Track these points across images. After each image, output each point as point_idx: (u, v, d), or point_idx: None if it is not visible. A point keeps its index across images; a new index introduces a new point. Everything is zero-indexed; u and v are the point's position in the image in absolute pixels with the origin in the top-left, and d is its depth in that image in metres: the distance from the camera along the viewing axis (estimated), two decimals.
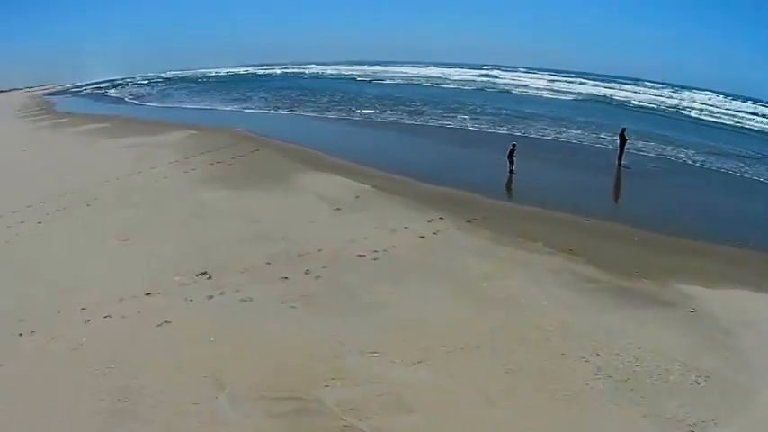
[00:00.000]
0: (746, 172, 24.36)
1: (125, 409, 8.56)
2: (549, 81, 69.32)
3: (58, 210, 19.25)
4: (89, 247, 15.72)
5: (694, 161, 25.97)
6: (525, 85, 65.86)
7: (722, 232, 16.00)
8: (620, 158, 24.13)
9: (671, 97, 55.50)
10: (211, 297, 12.03)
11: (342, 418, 8.01)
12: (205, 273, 13.24)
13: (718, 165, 25.38)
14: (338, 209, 17.65)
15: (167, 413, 8.39)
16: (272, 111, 47.88)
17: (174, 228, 16.81)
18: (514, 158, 22.04)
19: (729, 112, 45.87)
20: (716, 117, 43.75)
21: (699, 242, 15.17)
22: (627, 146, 24.32)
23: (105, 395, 8.89)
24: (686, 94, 56.59)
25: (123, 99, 72.69)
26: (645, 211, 17.91)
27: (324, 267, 13.17)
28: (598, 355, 9.47)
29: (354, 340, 9.96)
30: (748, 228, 16.78)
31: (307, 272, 12.99)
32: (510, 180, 21.68)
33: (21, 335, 11.06)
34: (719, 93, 56.13)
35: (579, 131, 33.36)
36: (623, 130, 24.27)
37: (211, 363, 9.55)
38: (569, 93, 58.91)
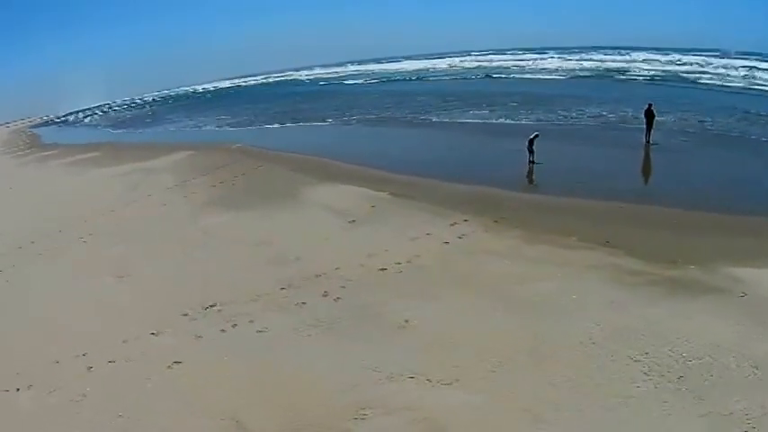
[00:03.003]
0: None
1: None
2: (543, 59, 70.41)
3: (50, 249, 19.40)
4: (87, 286, 15.69)
5: (723, 130, 26.00)
6: (520, 67, 67.11)
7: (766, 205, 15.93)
8: (647, 136, 24.01)
9: (673, 62, 55.74)
10: (224, 331, 11.91)
11: None
12: (214, 305, 13.12)
13: (749, 131, 25.39)
14: (353, 221, 17.57)
15: None
16: (269, 122, 48.38)
17: (177, 258, 16.79)
18: (534, 148, 21.97)
19: (735, 72, 45.89)
20: (726, 81, 43.50)
21: (743, 218, 15.11)
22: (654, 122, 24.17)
23: None
24: (685, 57, 56.84)
25: (110, 125, 73.77)
26: (682, 190, 17.81)
27: (343, 287, 13.07)
28: (647, 353, 9.29)
29: (384, 365, 9.82)
30: None
31: (325, 294, 12.87)
32: (532, 171, 21.65)
33: (18, 390, 10.92)
34: (715, 52, 56.41)
35: (596, 110, 33.80)
36: (650, 105, 24.03)
37: (229, 403, 9.42)
38: (569, 70, 59.73)
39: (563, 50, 78.82)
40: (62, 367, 11.40)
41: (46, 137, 70.06)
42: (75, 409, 9.95)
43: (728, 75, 45.12)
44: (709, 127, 26.86)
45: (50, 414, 9.95)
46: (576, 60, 67.00)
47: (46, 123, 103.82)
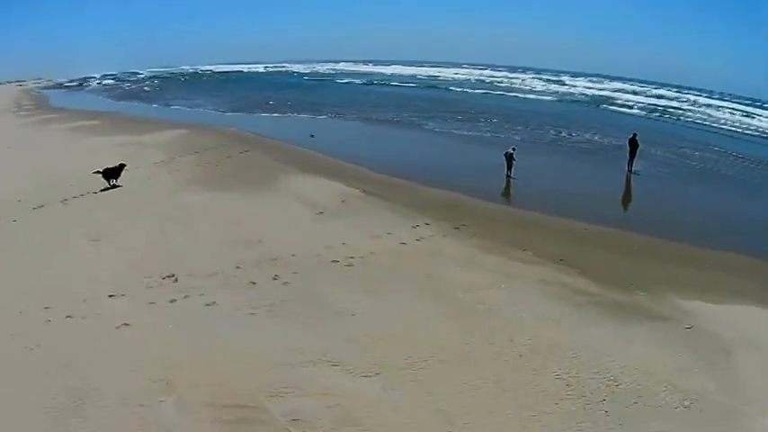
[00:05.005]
0: (758, 178, 25.04)
1: (73, 408, 8.69)
2: (534, 79, 71.76)
3: (34, 208, 19.58)
4: (61, 246, 15.96)
5: (704, 166, 26.67)
6: (511, 84, 68.39)
7: (732, 241, 15.95)
8: (630, 164, 24.34)
9: (663, 96, 56.68)
10: (174, 301, 12.15)
11: (286, 429, 8.04)
12: (172, 275, 13.39)
13: (728, 170, 26.18)
14: (321, 213, 17.86)
15: (112, 414, 8.53)
16: (267, 110, 49.03)
17: (150, 230, 17.01)
18: (514, 162, 22.20)
19: (720, 114, 47.41)
20: (712, 120, 45.31)
21: (706, 251, 15.16)
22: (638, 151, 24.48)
23: (57, 394, 9.03)
24: (675, 93, 57.88)
25: (114, 95, 74.24)
26: (651, 219, 17.97)
27: (294, 273, 13.26)
28: (575, 372, 9.30)
29: (313, 350, 9.96)
30: (762, 237, 16.77)
31: (276, 277, 13.07)
32: (508, 185, 21.92)
33: None
34: (705, 92, 57.37)
35: (582, 134, 34.54)
36: (635, 135, 24.39)
37: (164, 366, 9.66)
38: (559, 93, 61.02)
39: (555, 72, 79.89)
40: (24, 317, 11.71)
41: (53, 100, 70.34)
42: (28, 355, 10.28)
43: (715, 115, 46.15)
44: (691, 162, 27.46)
45: (5, 357, 10.26)
46: (568, 84, 67.99)
47: (55, 86, 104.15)
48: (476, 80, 78.16)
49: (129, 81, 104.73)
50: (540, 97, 59.32)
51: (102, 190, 21.95)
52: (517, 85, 69.70)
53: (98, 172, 22.36)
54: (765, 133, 40.44)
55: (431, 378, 9.21)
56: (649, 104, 53.04)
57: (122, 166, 23.03)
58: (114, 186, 22.39)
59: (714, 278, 13.40)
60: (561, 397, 8.75)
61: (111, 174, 22.59)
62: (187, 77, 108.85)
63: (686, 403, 8.63)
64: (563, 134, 34.27)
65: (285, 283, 12.79)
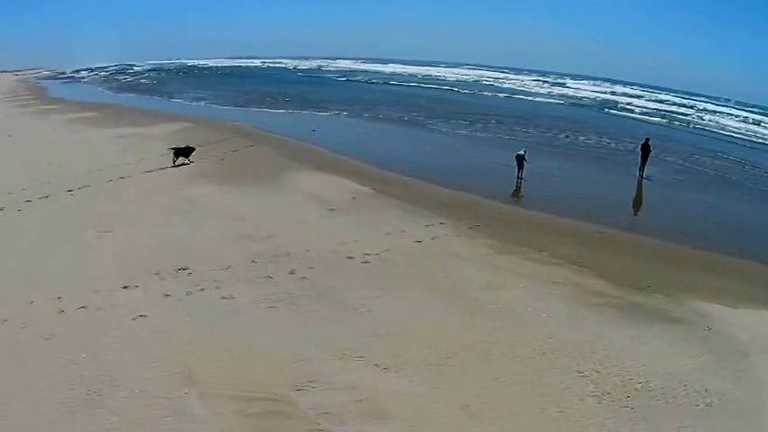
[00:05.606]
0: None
1: (92, 398, 8.67)
2: (544, 83, 72.10)
3: (40, 198, 19.44)
4: (69, 237, 15.86)
5: (717, 173, 26.98)
6: (520, 87, 68.62)
7: (748, 249, 16.13)
8: (641, 169, 24.45)
9: (676, 103, 57.09)
10: (190, 293, 12.14)
11: (315, 422, 8.10)
12: (186, 268, 13.35)
13: (741, 178, 26.54)
14: (332, 210, 17.92)
15: (133, 405, 8.53)
16: (271, 106, 48.96)
17: (158, 222, 16.97)
18: (525, 164, 22.36)
19: (734, 123, 48.07)
20: (726, 129, 45.91)
21: (721, 256, 15.36)
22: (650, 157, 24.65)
23: (74, 384, 9.00)
24: (686, 100, 58.17)
25: (114, 87, 74.09)
26: (665, 224, 18.12)
27: (310, 268, 13.32)
28: (596, 371, 9.46)
29: (335, 344, 10.04)
30: None
31: (292, 272, 13.13)
32: (519, 187, 22.05)
33: None
34: (717, 99, 57.82)
35: (594, 138, 34.78)
36: (647, 140, 24.56)
37: (185, 359, 9.67)
38: (569, 96, 61.45)
39: (560, 75, 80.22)
40: (36, 307, 11.63)
41: (51, 90, 69.99)
42: (42, 345, 10.21)
43: (725, 123, 46.52)
44: (702, 168, 27.72)
45: (19, 346, 10.21)
46: (572, 87, 68.25)
47: (54, 77, 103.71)
48: (478, 81, 78.34)
49: (126, 73, 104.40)
50: (545, 100, 59.72)
51: (108, 181, 21.83)
52: (521, 88, 69.93)
53: (172, 149, 24.58)
54: None
55: (455, 374, 9.33)
56: (658, 110, 53.36)
57: (192, 148, 24.96)
58: (183, 164, 24.22)
59: (727, 283, 13.61)
60: (585, 394, 8.90)
61: (182, 153, 24.55)
62: (186, 71, 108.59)
63: (707, 402, 8.83)
64: (572, 137, 34.50)
65: (302, 279, 12.84)
